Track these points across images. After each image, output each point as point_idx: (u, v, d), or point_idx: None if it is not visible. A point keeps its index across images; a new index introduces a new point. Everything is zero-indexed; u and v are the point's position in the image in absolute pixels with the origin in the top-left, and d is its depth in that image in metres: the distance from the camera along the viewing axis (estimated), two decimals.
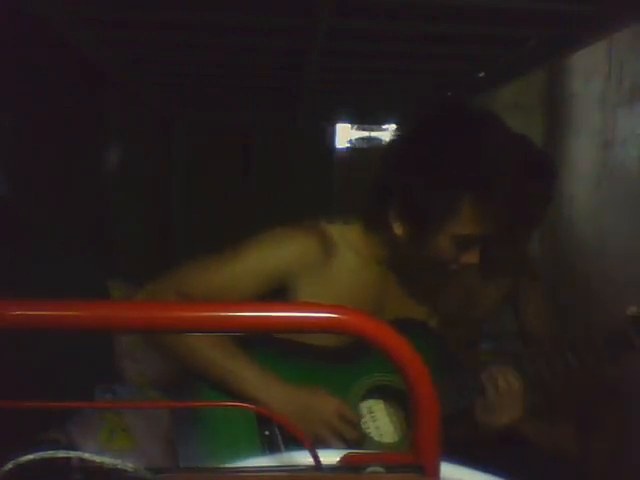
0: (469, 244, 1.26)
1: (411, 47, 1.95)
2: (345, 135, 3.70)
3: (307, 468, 0.66)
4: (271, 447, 1.22)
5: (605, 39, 2.06)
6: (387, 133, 3.68)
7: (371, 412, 1.35)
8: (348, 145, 3.72)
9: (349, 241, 1.36)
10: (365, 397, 1.33)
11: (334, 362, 1.33)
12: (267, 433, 1.24)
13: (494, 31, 1.77)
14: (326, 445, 1.22)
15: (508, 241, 1.66)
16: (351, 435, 1.24)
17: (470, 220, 1.23)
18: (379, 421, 1.35)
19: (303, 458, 0.70)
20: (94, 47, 1.89)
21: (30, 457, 0.56)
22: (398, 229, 1.29)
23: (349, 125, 3.68)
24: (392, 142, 1.39)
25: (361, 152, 3.68)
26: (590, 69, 2.50)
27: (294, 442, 1.21)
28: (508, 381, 1.29)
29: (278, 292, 1.31)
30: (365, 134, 3.76)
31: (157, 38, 1.91)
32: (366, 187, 1.37)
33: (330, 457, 0.67)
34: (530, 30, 1.76)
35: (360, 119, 3.52)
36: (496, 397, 1.28)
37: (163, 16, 1.68)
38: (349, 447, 1.23)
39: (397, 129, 1.41)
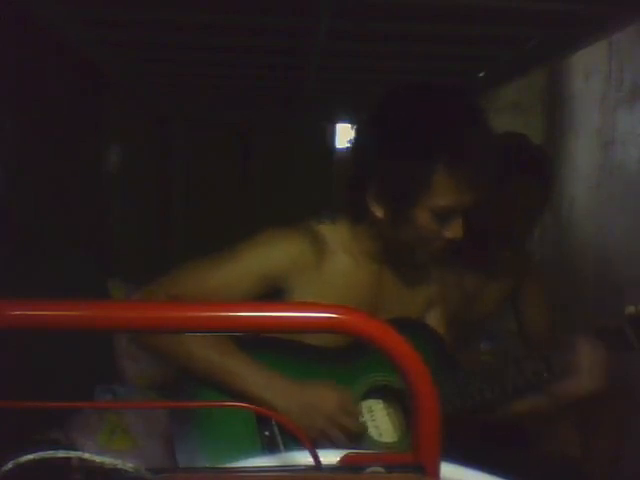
0: (449, 216, 1.25)
1: (411, 47, 1.95)
2: (345, 135, 3.70)
3: (307, 468, 0.66)
4: (271, 447, 1.22)
5: (605, 39, 2.06)
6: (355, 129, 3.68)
7: (370, 412, 1.35)
8: (348, 145, 3.72)
9: (340, 240, 1.35)
10: (364, 397, 1.33)
11: (333, 362, 1.32)
12: (267, 434, 1.24)
13: (494, 31, 1.77)
14: (330, 439, 1.22)
15: (506, 237, 1.66)
16: (353, 427, 1.24)
17: (445, 190, 1.22)
18: (378, 421, 1.35)
19: (303, 458, 0.70)
20: (94, 47, 1.89)
21: (30, 457, 0.56)
22: (378, 211, 1.28)
23: (349, 125, 3.68)
24: (359, 125, 1.38)
25: None
26: (590, 69, 2.50)
27: (294, 442, 1.21)
28: (594, 347, 1.29)
29: (272, 295, 1.30)
30: None
31: (157, 38, 1.91)
32: (345, 185, 1.37)
33: (330, 457, 0.67)
34: (530, 30, 1.76)
35: (360, 119, 3.51)
36: (585, 362, 1.28)
37: (163, 16, 1.68)
38: (350, 440, 1.23)
39: (362, 115, 1.40)
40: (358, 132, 1.37)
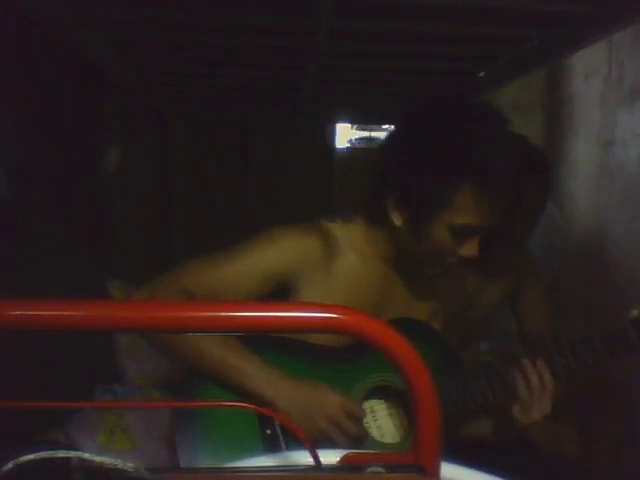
0: (467, 235, 1.26)
1: (411, 47, 1.95)
2: (345, 135, 3.71)
3: (307, 468, 0.66)
4: (272, 446, 1.22)
5: (605, 39, 2.06)
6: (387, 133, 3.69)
7: (372, 412, 1.35)
8: (348, 145, 3.72)
9: (351, 240, 1.35)
10: (366, 397, 1.33)
11: (335, 362, 1.33)
12: (269, 432, 1.24)
13: (494, 31, 1.77)
14: (330, 441, 1.22)
15: (507, 238, 1.66)
16: (354, 431, 1.24)
17: (466, 209, 1.22)
18: (380, 421, 1.35)
19: (303, 458, 0.70)
20: (94, 47, 1.89)
21: (30, 457, 0.56)
22: (397, 220, 1.28)
23: (349, 125, 3.68)
24: (390, 133, 1.39)
25: (361, 152, 3.68)
26: (590, 69, 2.51)
27: (296, 441, 1.21)
28: (540, 375, 1.28)
29: (280, 292, 1.30)
30: (365, 134, 3.77)
31: (157, 38, 1.91)
32: (366, 187, 1.37)
33: (330, 457, 0.67)
34: (530, 30, 1.76)
35: (360, 119, 3.52)
36: (529, 392, 1.28)
37: (163, 16, 1.68)
38: (352, 443, 1.23)
39: (396, 121, 1.40)
40: (389, 137, 1.37)
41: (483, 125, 1.23)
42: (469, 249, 1.27)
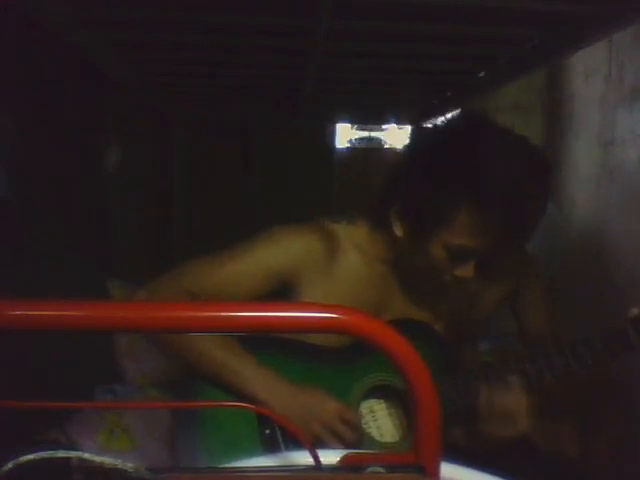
0: (463, 256, 1.26)
1: (411, 47, 1.95)
2: (345, 135, 3.71)
3: (307, 468, 0.66)
4: (271, 446, 1.22)
5: (605, 39, 2.05)
6: (387, 133, 3.69)
7: (372, 412, 1.35)
8: (348, 145, 3.72)
9: (354, 241, 1.36)
10: (366, 397, 1.33)
11: (335, 362, 1.33)
12: (267, 432, 1.24)
13: (494, 31, 1.77)
14: (325, 446, 1.22)
15: (507, 248, 1.66)
16: (350, 437, 1.24)
17: (463, 231, 1.23)
18: (380, 421, 1.35)
19: (303, 458, 0.70)
20: (94, 47, 1.89)
21: (30, 457, 0.56)
22: (398, 230, 1.30)
23: (349, 125, 3.68)
24: (407, 145, 1.41)
25: (361, 152, 3.68)
26: (590, 69, 2.51)
27: (294, 442, 1.21)
28: (513, 399, 1.27)
29: (282, 291, 1.31)
30: (365, 134, 3.77)
31: (157, 38, 1.91)
32: (366, 187, 1.38)
33: (330, 457, 0.67)
34: (530, 30, 1.76)
35: (360, 119, 3.52)
36: (498, 416, 1.27)
37: (163, 16, 1.68)
38: (348, 448, 1.23)
39: (417, 132, 1.43)
40: (406, 148, 1.39)
41: (489, 152, 1.23)
42: (464, 271, 1.28)
